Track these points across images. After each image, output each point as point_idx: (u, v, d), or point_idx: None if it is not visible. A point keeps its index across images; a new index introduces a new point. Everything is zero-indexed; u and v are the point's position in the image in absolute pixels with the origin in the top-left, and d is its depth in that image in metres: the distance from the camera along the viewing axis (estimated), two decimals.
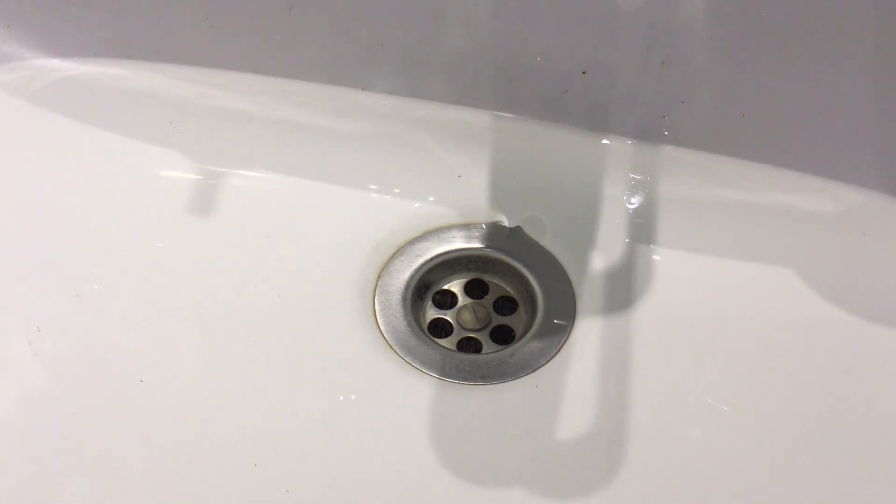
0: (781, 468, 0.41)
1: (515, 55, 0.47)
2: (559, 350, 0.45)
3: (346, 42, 0.48)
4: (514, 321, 0.48)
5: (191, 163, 0.50)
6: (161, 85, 0.51)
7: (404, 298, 0.46)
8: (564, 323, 0.46)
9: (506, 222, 0.49)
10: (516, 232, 0.49)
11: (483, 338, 0.47)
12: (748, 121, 0.46)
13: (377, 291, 0.47)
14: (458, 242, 0.49)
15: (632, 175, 0.49)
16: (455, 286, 0.49)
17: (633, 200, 0.49)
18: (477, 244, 0.49)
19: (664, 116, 0.47)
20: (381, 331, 0.45)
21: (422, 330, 0.46)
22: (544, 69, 0.47)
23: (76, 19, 0.49)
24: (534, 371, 0.44)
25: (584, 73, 0.46)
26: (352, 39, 0.48)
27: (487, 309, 0.48)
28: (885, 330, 0.45)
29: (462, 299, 0.48)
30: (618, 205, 0.49)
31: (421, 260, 0.48)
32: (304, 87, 0.50)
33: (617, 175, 0.49)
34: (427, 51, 0.48)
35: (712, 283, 0.47)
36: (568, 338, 0.45)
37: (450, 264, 0.48)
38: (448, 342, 0.47)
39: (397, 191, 0.50)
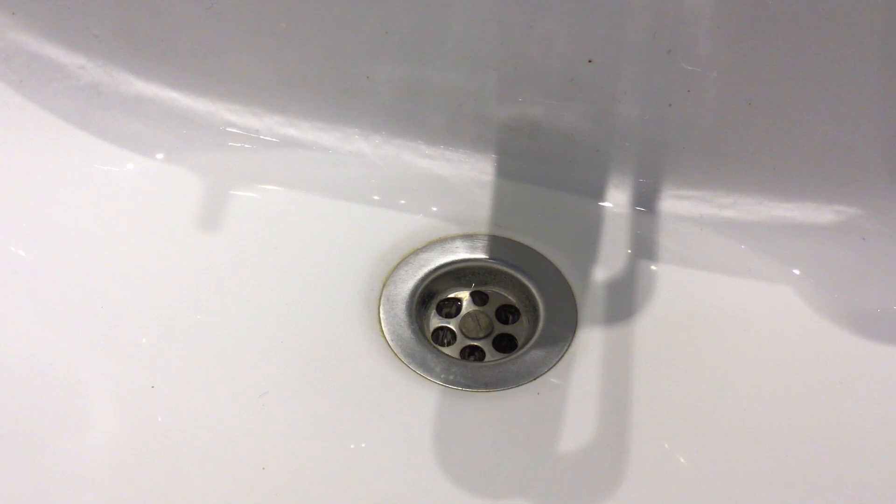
0: (780, 477, 0.41)
1: (521, 44, 0.46)
2: (561, 358, 0.45)
3: (351, 29, 0.48)
4: (517, 330, 0.48)
5: (199, 178, 0.51)
6: (167, 97, 0.52)
7: (409, 307, 0.47)
8: (566, 331, 0.46)
9: (508, 233, 0.50)
10: (518, 243, 0.50)
11: (486, 346, 0.47)
12: (754, 109, 0.46)
13: (382, 300, 0.47)
14: (461, 253, 0.49)
15: (637, 180, 0.50)
16: (458, 295, 0.49)
17: (635, 210, 0.50)
18: (480, 255, 0.49)
19: (669, 105, 0.47)
20: (385, 339, 0.46)
21: (426, 338, 0.46)
22: (550, 58, 0.46)
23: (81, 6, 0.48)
24: (536, 379, 0.44)
25: (589, 61, 0.46)
26: (357, 24, 0.47)
27: (490, 317, 0.48)
28: (879, 342, 0.45)
29: (465, 308, 0.49)
30: (620, 215, 0.50)
31: (425, 270, 0.49)
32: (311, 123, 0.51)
33: (621, 180, 0.50)
34: (433, 36, 0.47)
35: (712, 294, 0.47)
36: (570, 346, 0.46)
37: (453, 274, 0.49)
38: (451, 350, 0.47)
39: (403, 202, 0.51)
